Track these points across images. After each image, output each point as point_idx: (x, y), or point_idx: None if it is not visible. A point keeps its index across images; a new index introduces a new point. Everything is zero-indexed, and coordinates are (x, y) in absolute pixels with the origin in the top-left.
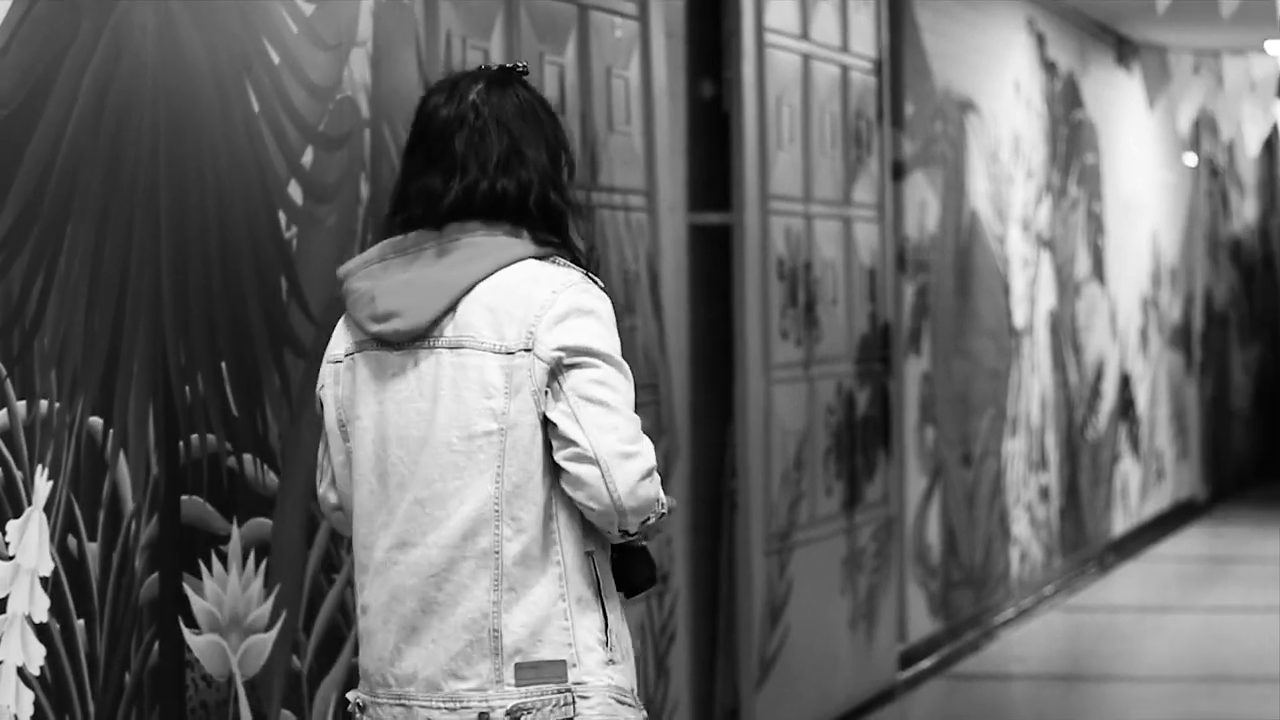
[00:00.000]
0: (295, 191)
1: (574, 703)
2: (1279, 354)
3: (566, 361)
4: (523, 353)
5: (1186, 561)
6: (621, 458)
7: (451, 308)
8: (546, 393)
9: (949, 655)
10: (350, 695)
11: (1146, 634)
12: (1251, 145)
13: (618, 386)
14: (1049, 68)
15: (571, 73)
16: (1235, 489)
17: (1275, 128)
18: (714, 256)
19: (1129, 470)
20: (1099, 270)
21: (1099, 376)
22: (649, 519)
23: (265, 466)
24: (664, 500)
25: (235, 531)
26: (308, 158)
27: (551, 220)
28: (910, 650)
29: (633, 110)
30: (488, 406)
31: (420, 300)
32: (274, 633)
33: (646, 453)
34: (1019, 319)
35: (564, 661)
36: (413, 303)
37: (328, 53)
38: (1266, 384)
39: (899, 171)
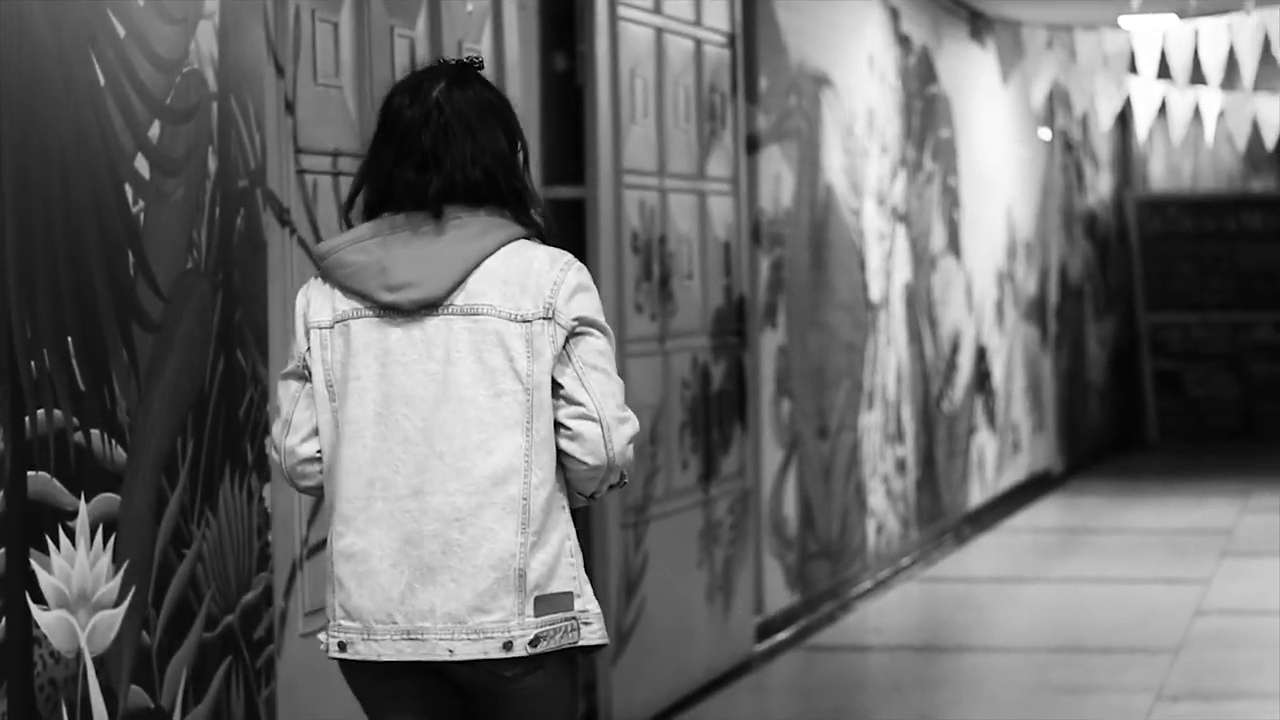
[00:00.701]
0: (142, 165)
1: (579, 628)
2: (1134, 327)
3: (578, 330)
4: (541, 321)
5: (1042, 533)
6: (618, 420)
7: (463, 278)
8: (560, 357)
9: (806, 627)
10: (323, 636)
11: (1002, 605)
12: (1104, 119)
13: (611, 356)
14: (903, 42)
15: (422, 46)
16: (1091, 461)
17: (1128, 102)
18: (568, 230)
19: (985, 442)
20: (954, 244)
21: (955, 349)
22: (617, 480)
23: (113, 442)
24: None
25: (83, 507)
26: (154, 131)
27: (516, 202)
28: (767, 622)
29: None
30: (511, 368)
31: (435, 272)
32: (123, 608)
33: (634, 419)
34: (875, 292)
35: (571, 593)
36: (428, 274)
37: (174, 26)
38: (1121, 357)
39: (753, 145)
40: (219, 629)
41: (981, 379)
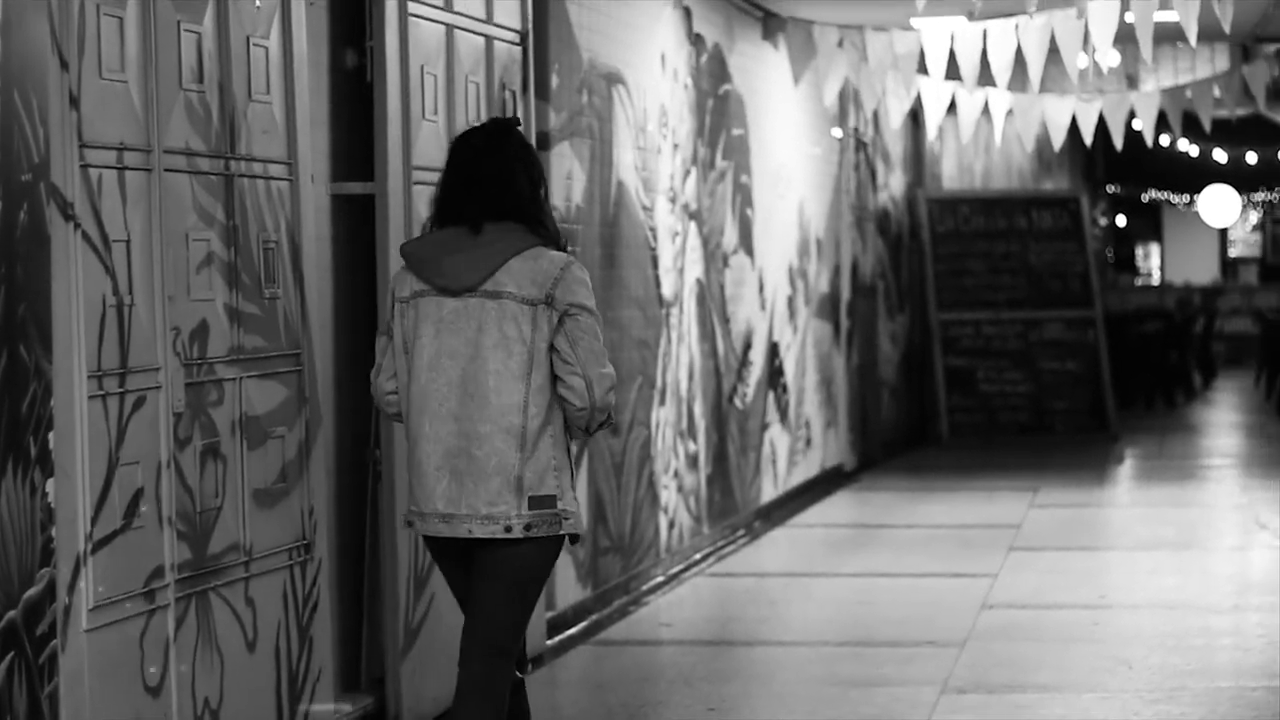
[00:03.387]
0: None
1: (560, 521)
2: (926, 324)
3: (571, 311)
4: (543, 305)
5: (834, 528)
6: (599, 375)
7: (491, 272)
8: (557, 329)
9: (597, 622)
10: (400, 517)
11: (793, 599)
12: (894, 118)
13: (597, 331)
14: (696, 41)
15: (209, 41)
16: (883, 457)
17: (919, 101)
18: (358, 226)
19: (777, 438)
20: (747, 241)
21: (748, 346)
22: (605, 420)
23: None
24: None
25: None
26: None
27: (535, 220)
28: (558, 617)
29: (273, 80)
30: (520, 337)
31: (473, 267)
32: None
33: (612, 373)
34: (667, 290)
35: (555, 495)
36: (468, 268)
37: None
38: (913, 354)
39: (544, 143)
40: (1, 624)
41: (774, 375)
